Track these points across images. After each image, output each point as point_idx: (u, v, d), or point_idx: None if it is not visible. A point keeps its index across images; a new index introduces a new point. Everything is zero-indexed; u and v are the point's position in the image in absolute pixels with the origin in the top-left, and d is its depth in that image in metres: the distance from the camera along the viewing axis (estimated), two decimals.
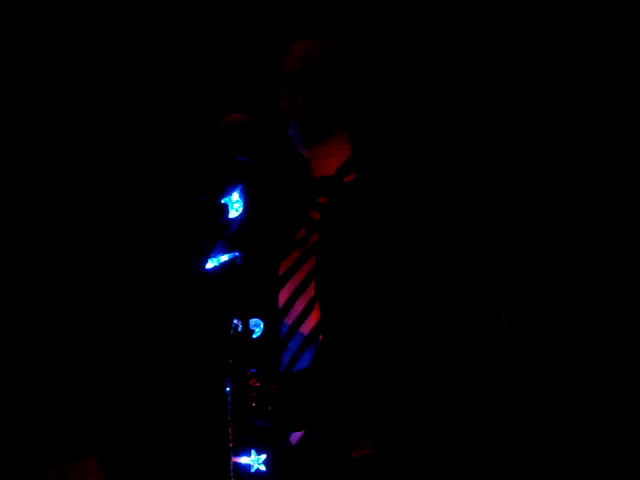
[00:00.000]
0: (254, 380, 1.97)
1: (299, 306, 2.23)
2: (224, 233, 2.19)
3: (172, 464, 3.39)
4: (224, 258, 2.09)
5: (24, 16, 3.40)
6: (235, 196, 2.07)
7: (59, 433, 3.42)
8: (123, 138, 3.53)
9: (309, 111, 2.34)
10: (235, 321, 1.98)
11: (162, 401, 3.51)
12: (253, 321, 2.05)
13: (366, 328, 2.19)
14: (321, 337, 2.20)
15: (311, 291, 2.23)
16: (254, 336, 2.03)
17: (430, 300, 2.26)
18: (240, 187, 2.07)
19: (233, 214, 2.08)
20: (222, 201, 2.06)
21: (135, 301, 3.51)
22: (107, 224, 3.50)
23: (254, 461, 2.03)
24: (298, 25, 3.31)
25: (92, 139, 3.49)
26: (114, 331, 3.50)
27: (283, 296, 2.26)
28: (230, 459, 2.02)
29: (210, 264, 2.09)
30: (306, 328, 2.21)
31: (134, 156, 3.53)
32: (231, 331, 1.98)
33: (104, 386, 3.49)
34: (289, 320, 2.23)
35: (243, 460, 2.02)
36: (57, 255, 3.45)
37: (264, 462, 2.07)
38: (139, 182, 3.52)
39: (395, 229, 2.24)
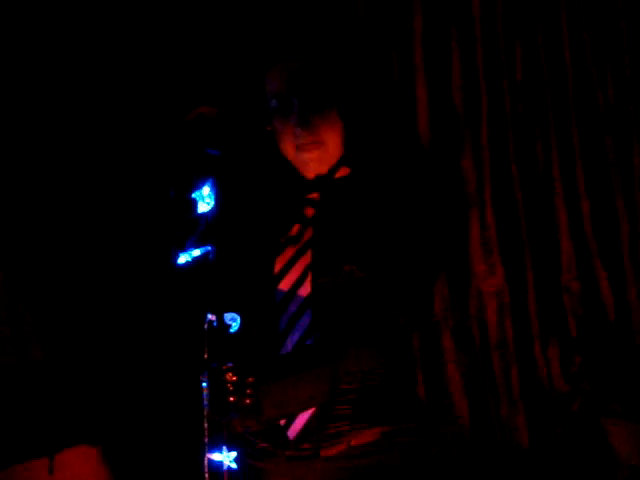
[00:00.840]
0: (231, 374, 1.96)
1: (296, 301, 2.22)
2: (195, 228, 2.18)
3: (147, 459, 3.39)
4: (196, 253, 2.08)
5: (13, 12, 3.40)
6: (206, 190, 2.05)
7: (47, 424, 3.42)
8: (91, 133, 3.51)
9: (305, 128, 2.32)
10: (209, 316, 1.97)
11: (137, 397, 3.51)
12: (229, 315, 2.03)
13: (361, 322, 2.19)
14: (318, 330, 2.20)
15: (307, 287, 2.22)
16: (231, 330, 2.02)
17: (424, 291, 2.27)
18: (211, 181, 2.05)
19: (204, 208, 2.06)
20: (192, 195, 2.04)
21: (110, 297, 3.50)
22: (76, 221, 3.49)
23: (225, 458, 2.02)
24: (265, 19, 3.30)
25: (59, 134, 3.48)
26: (90, 326, 3.50)
27: (280, 292, 2.25)
28: (204, 455, 2.01)
29: (182, 259, 2.08)
30: (303, 322, 2.21)
31: (102, 152, 3.52)
32: (205, 326, 1.97)
33: (81, 379, 3.48)
34: (286, 315, 2.22)
35: (216, 457, 2.01)
36: (31, 248, 3.45)
37: (235, 459, 2.06)
38: (107, 178, 3.51)
39: (388, 222, 2.23)
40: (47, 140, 3.46)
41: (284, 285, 2.26)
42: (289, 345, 2.23)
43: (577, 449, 3.72)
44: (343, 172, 2.38)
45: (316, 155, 2.34)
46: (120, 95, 3.52)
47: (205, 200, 2.03)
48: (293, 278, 2.25)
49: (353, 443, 2.21)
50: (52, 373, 3.46)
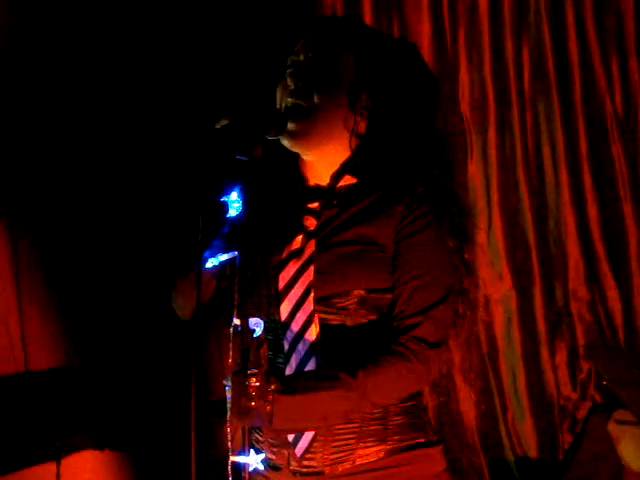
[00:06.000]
0: (254, 379, 1.95)
1: (300, 319, 2.19)
2: (223, 232, 2.16)
3: (168, 461, 3.39)
4: (223, 257, 2.07)
5: (23, 15, 3.40)
6: (234, 195, 2.05)
7: (53, 429, 3.41)
8: (122, 137, 3.52)
9: (294, 79, 2.20)
10: (235, 320, 1.96)
11: (159, 400, 3.50)
12: (254, 320, 2.02)
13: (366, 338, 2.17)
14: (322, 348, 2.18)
15: (310, 304, 2.19)
16: (255, 335, 2.01)
17: None
18: (239, 186, 2.04)
19: (232, 213, 2.05)
20: (221, 199, 2.03)
21: (135, 298, 3.49)
22: (106, 222, 3.49)
23: (252, 460, 2.02)
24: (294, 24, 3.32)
25: (92, 137, 3.48)
26: (112, 328, 3.50)
27: (285, 309, 2.21)
28: (228, 458, 2.01)
29: (209, 264, 2.07)
30: (307, 341, 2.19)
31: (134, 155, 3.52)
32: (231, 330, 1.96)
33: (89, 384, 3.48)
34: (291, 333, 2.20)
35: (241, 459, 2.01)
36: (53, 248, 3.45)
37: (262, 461, 2.06)
38: (139, 181, 3.52)
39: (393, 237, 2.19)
40: (78, 144, 3.47)
41: (287, 303, 2.21)
42: (294, 364, 2.20)
43: (584, 455, 3.72)
44: (348, 181, 2.26)
45: (296, 128, 2.19)
46: (152, 102, 3.53)
47: (233, 205, 2.03)
48: (296, 296, 2.21)
49: (358, 462, 2.19)
50: (60, 378, 3.46)
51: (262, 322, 2.02)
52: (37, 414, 3.39)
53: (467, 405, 3.80)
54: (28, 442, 3.36)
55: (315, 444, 2.18)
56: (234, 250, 2.03)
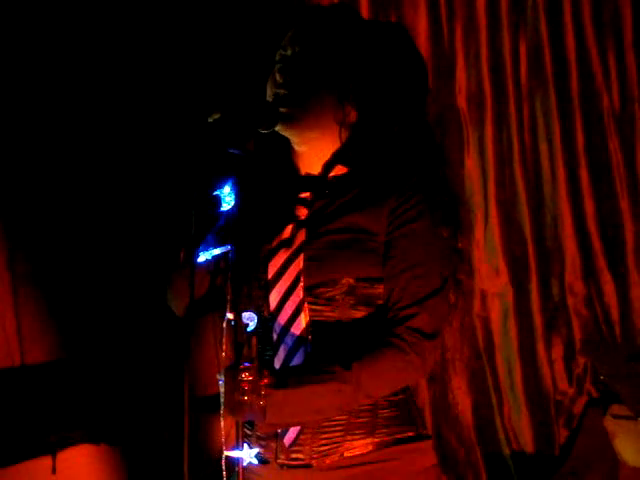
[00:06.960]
0: (247, 374, 1.94)
1: (289, 308, 2.19)
2: (216, 226, 2.16)
3: (163, 455, 3.39)
4: (216, 251, 2.07)
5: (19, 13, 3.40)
6: (227, 189, 2.04)
7: (49, 423, 3.41)
8: (115, 133, 3.51)
9: (283, 74, 2.21)
10: (228, 314, 1.95)
11: (154, 394, 3.50)
12: (247, 314, 2.02)
13: (356, 330, 2.17)
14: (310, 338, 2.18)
15: (299, 293, 2.18)
16: (248, 330, 2.01)
17: None
18: (232, 180, 2.04)
19: (225, 207, 2.05)
20: (214, 194, 2.03)
21: (129, 293, 3.49)
22: (100, 218, 3.49)
23: (246, 455, 2.01)
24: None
25: (83, 132, 3.48)
26: (107, 324, 3.50)
27: (273, 298, 2.21)
28: (222, 453, 2.00)
29: (202, 257, 2.07)
30: (296, 331, 2.18)
31: (126, 151, 3.51)
32: (224, 324, 1.96)
33: (85, 378, 3.48)
34: (279, 323, 2.19)
35: (235, 454, 2.00)
36: (48, 243, 3.44)
37: (256, 456, 2.05)
38: (132, 176, 3.51)
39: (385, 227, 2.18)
40: (68, 139, 3.46)
41: (276, 292, 2.20)
42: (282, 354, 2.20)
43: (580, 450, 3.73)
44: (340, 170, 2.26)
45: (288, 111, 2.18)
46: (143, 97, 3.53)
47: (225, 199, 2.03)
48: (285, 285, 2.20)
49: (346, 454, 2.18)
50: (56, 373, 3.46)
51: (256, 316, 2.02)
52: (33, 408, 3.39)
53: (463, 399, 3.80)
54: (24, 436, 3.36)
55: (302, 436, 2.17)
56: (227, 244, 2.02)
